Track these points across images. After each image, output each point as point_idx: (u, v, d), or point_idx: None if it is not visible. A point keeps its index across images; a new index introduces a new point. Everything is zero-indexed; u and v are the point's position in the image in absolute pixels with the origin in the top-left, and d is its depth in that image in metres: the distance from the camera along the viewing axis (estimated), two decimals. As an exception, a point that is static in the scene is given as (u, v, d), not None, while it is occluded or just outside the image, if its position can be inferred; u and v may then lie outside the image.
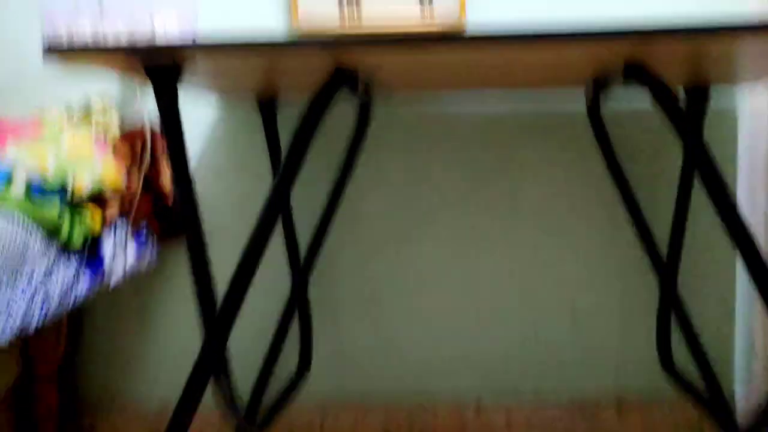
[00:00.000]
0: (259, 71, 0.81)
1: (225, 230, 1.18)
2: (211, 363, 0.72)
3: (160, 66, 0.74)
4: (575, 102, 1.12)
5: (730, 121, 1.14)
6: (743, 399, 1.17)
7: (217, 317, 0.72)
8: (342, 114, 1.17)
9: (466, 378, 1.20)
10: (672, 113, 0.70)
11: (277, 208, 0.74)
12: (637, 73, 0.75)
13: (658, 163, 1.15)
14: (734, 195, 1.15)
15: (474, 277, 1.19)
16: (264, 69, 0.79)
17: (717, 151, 1.14)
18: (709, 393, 1.09)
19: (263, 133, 1.16)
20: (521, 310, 1.19)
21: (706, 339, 1.15)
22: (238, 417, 0.82)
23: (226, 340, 0.74)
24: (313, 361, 1.20)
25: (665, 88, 0.71)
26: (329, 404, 1.21)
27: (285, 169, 0.74)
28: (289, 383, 1.04)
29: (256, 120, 1.18)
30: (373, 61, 0.72)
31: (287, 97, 1.10)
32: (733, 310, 1.16)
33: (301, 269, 1.14)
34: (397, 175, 1.18)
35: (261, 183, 1.18)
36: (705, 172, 0.70)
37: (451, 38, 0.63)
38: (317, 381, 1.21)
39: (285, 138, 1.14)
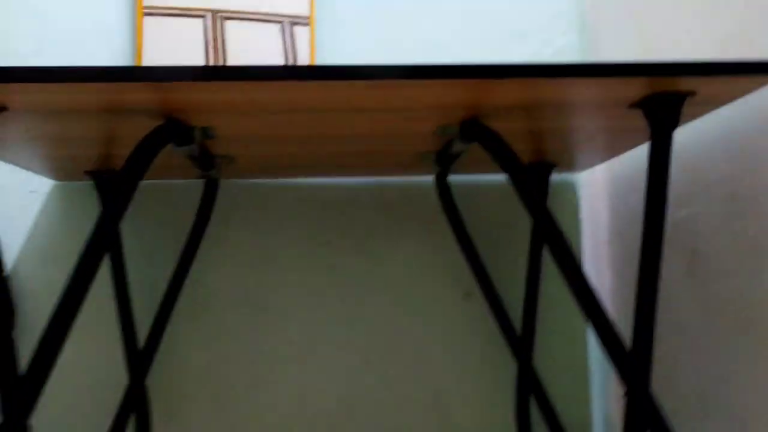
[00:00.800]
0: (84, 132, 0.76)
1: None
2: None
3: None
4: (424, 169, 1.12)
5: (570, 194, 1.18)
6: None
7: (16, 397, 0.62)
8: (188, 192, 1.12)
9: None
10: (515, 176, 0.70)
11: (87, 271, 0.66)
12: (475, 129, 0.75)
13: (508, 233, 1.16)
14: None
15: (330, 365, 1.13)
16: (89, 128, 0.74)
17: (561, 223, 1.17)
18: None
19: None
20: (382, 398, 1.13)
21: (564, 410, 1.13)
22: None
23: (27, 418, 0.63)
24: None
25: (504, 146, 0.72)
26: None
27: (97, 233, 0.67)
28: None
29: (95, 200, 1.10)
30: (200, 99, 0.69)
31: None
32: (589, 381, 1.16)
33: (138, 360, 1.04)
34: (245, 254, 1.13)
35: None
36: (553, 244, 0.70)
37: (284, 69, 0.61)
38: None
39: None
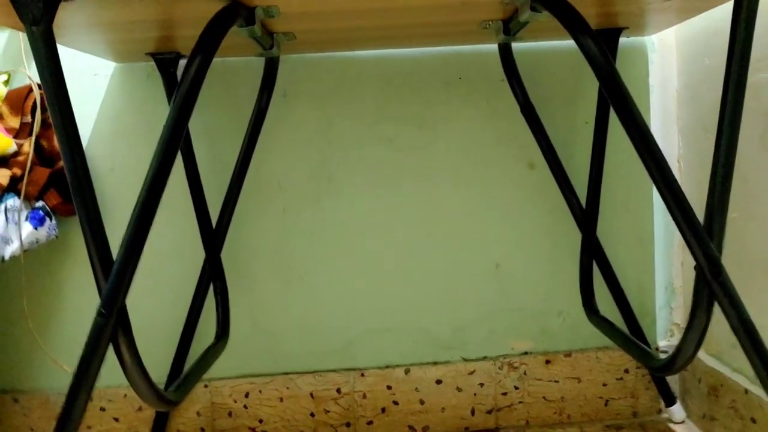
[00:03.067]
0: (146, 16, 0.75)
1: (130, 199, 1.11)
2: (108, 325, 0.66)
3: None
4: (487, 38, 1.08)
5: (640, 57, 1.14)
6: (664, 339, 1.18)
7: (114, 273, 0.66)
8: (249, 73, 1.11)
9: (393, 344, 1.17)
10: (584, 44, 0.67)
11: (171, 148, 0.68)
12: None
13: (573, 103, 1.14)
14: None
15: (392, 241, 1.16)
16: (150, 13, 0.73)
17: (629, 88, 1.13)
18: (632, 335, 1.09)
19: (165, 93, 1.09)
20: (443, 272, 1.17)
21: (628, 284, 1.15)
22: (150, 389, 0.76)
23: (123, 297, 0.68)
24: (232, 336, 1.15)
25: (574, 12, 0.68)
26: (253, 378, 1.16)
27: (177, 112, 0.68)
28: (206, 352, 0.99)
29: (157, 80, 1.11)
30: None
31: (185, 50, 1.03)
32: (652, 253, 1.17)
33: (213, 238, 1.09)
34: (307, 130, 1.13)
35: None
36: (621, 109, 0.68)
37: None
38: (238, 356, 1.16)
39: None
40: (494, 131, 1.14)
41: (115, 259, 0.67)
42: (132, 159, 1.12)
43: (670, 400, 1.14)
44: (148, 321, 1.14)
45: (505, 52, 1.06)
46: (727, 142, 0.68)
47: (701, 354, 1.11)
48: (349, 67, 1.13)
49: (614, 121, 1.08)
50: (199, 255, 1.12)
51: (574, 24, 0.68)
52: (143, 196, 0.67)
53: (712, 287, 0.67)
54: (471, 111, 1.14)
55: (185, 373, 0.87)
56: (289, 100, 1.13)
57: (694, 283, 0.70)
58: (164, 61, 1.03)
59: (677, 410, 1.14)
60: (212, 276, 1.10)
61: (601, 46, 0.67)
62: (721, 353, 1.05)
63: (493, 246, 1.17)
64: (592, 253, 1.09)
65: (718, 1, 0.87)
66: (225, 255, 1.13)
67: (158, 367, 1.12)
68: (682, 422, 1.14)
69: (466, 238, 1.16)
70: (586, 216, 1.09)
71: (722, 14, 0.97)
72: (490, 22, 0.93)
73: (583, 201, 1.10)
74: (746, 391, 0.95)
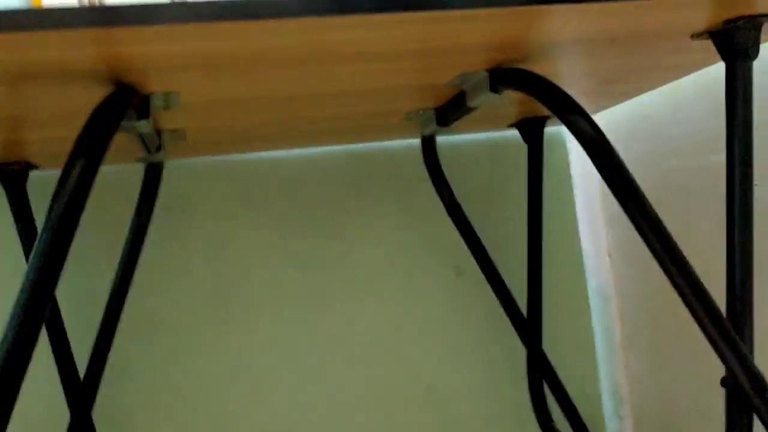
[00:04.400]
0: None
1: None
2: None
3: None
4: (410, 132, 0.97)
5: (560, 148, 1.07)
6: (619, 455, 1.06)
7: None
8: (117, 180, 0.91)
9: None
10: (573, 122, 0.56)
11: (40, 304, 0.47)
12: (511, 76, 0.61)
13: (497, 200, 1.04)
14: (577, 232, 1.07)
15: (307, 372, 0.97)
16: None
17: (553, 186, 1.06)
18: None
19: (10, 214, 0.85)
20: (368, 401, 0.99)
21: (573, 395, 1.03)
22: None
23: None
24: None
25: (556, 90, 0.57)
26: None
27: (44, 255, 0.48)
28: None
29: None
30: (170, 51, 0.50)
31: (38, 161, 0.82)
32: (595, 358, 1.06)
33: (81, 392, 0.84)
34: (198, 249, 0.94)
35: (11, 276, 0.87)
36: (621, 190, 0.57)
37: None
38: None
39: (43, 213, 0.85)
40: (414, 235, 1.01)
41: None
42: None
43: None
44: None
45: (429, 147, 0.94)
46: (741, 222, 0.58)
47: (663, 467, 0.99)
48: (245, 171, 0.96)
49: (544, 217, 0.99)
50: (61, 417, 0.86)
51: (558, 101, 0.57)
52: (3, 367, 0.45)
53: (755, 406, 0.55)
54: (386, 215, 1.00)
55: None
56: (175, 214, 0.93)
57: (727, 399, 0.58)
58: (9, 174, 0.81)
59: None
60: (81, 445, 0.84)
61: (593, 123, 0.56)
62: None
63: (422, 365, 1.01)
64: (541, 369, 0.96)
65: (667, 77, 0.81)
66: (96, 414, 0.88)
67: None
68: None
69: (392, 359, 1.00)
70: (529, 327, 0.96)
71: (650, 99, 0.92)
72: (420, 112, 0.81)
73: (521, 308, 0.98)
74: None
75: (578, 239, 1.06)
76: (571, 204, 1.06)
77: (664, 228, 0.56)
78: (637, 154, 0.97)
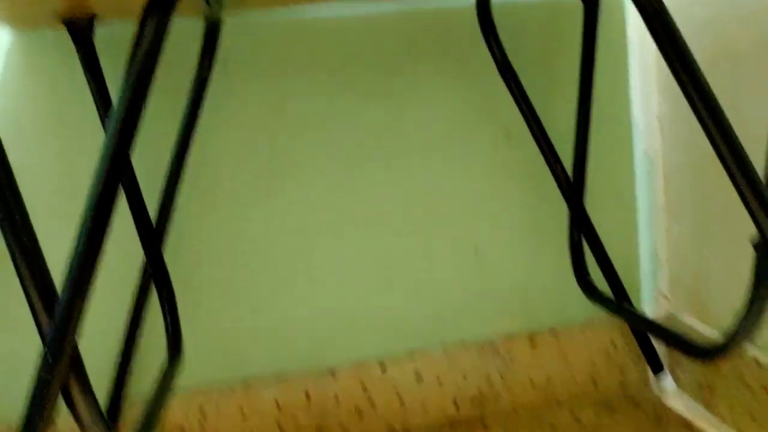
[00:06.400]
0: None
1: (42, 202, 0.92)
2: (60, 366, 0.51)
3: None
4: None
5: (617, 12, 1.05)
6: (651, 308, 1.12)
7: (63, 308, 0.50)
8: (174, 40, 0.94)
9: (365, 338, 1.05)
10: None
11: (118, 165, 0.52)
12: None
13: (551, 65, 1.04)
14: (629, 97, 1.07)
15: (359, 223, 1.03)
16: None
17: (608, 50, 1.05)
18: (622, 306, 1.02)
19: (81, 68, 0.90)
20: (417, 258, 1.05)
21: (613, 255, 1.07)
22: (101, 424, 0.61)
23: (74, 335, 0.53)
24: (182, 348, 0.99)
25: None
26: (208, 391, 1.01)
27: (125, 111, 0.52)
28: (163, 379, 0.83)
29: (68, 51, 0.92)
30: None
31: (103, 12, 0.84)
32: (636, 221, 1.10)
33: (153, 237, 0.92)
34: (254, 108, 0.98)
35: (87, 136, 0.93)
36: (671, 54, 0.57)
37: None
38: (189, 368, 1.00)
39: (111, 71, 0.89)
40: (466, 98, 1.03)
41: (60, 290, 0.52)
42: (44, 156, 0.93)
43: (659, 372, 1.09)
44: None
45: (483, 6, 0.94)
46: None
47: (693, 322, 1.05)
48: (299, 30, 0.97)
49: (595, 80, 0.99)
50: (134, 259, 0.94)
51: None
52: (93, 206, 0.51)
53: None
54: (439, 77, 1.02)
55: (145, 415, 0.71)
56: (231, 75, 0.97)
57: (756, 259, 0.62)
58: (78, 28, 0.85)
59: (668, 382, 1.09)
60: (155, 282, 0.93)
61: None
62: (720, 320, 1.00)
63: (470, 226, 1.06)
64: (581, 228, 1.01)
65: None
66: (167, 257, 0.97)
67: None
68: (673, 394, 1.09)
69: (442, 220, 1.05)
70: (572, 187, 1.00)
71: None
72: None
73: (567, 170, 1.01)
74: (758, 363, 0.90)
75: (629, 104, 1.07)
76: (625, 69, 1.06)
77: (714, 98, 0.58)
78: (696, 17, 0.95)
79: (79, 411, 0.52)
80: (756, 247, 0.61)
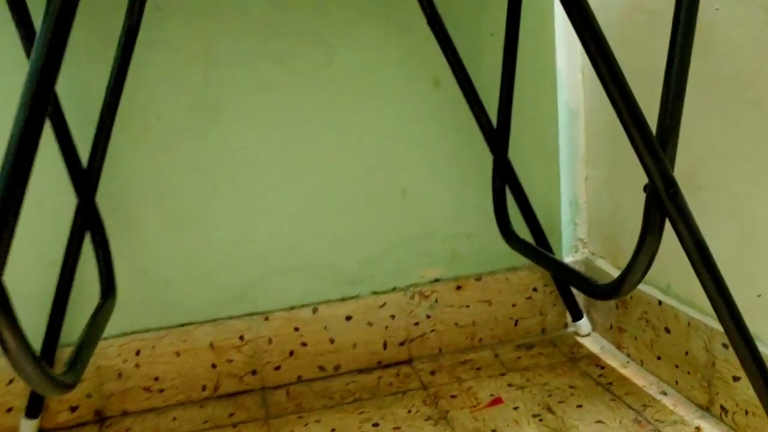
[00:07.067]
0: None
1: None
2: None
3: None
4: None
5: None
6: (570, 255, 1.18)
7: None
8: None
9: (298, 283, 1.08)
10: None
11: (43, 98, 0.53)
12: None
13: (478, 14, 1.07)
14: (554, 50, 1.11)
15: (289, 172, 1.05)
16: None
17: (534, 4, 1.08)
18: (538, 252, 1.08)
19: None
20: (347, 202, 1.08)
21: (535, 202, 1.12)
22: (42, 376, 0.63)
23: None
24: (117, 291, 1.01)
25: None
26: (143, 333, 1.04)
27: (48, 42, 0.53)
28: (94, 317, 0.85)
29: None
30: None
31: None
32: (558, 169, 1.15)
33: (84, 181, 0.93)
34: (186, 51, 0.99)
35: (11, 72, 0.92)
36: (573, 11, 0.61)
37: None
38: (124, 311, 1.02)
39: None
40: (396, 47, 1.05)
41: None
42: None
43: (577, 315, 1.15)
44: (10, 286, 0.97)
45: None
46: (681, 50, 0.63)
47: (608, 267, 1.12)
48: (231, -26, 0.98)
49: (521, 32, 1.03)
50: (67, 202, 0.95)
51: None
52: (14, 152, 0.53)
53: (666, 208, 0.64)
54: (369, 24, 1.03)
55: (76, 349, 0.74)
56: (163, 16, 0.97)
57: (645, 204, 0.67)
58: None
59: (584, 324, 1.15)
60: (88, 225, 0.95)
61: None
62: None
63: (399, 171, 1.09)
64: (505, 176, 1.05)
65: None
66: (99, 200, 0.98)
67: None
68: (589, 335, 1.16)
69: (371, 164, 1.08)
70: (497, 136, 1.04)
71: None
72: None
73: (492, 119, 1.05)
74: (660, 303, 0.97)
75: (554, 56, 1.10)
76: (550, 22, 1.09)
77: (610, 52, 0.62)
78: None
79: (7, 343, 0.54)
80: (647, 192, 0.66)
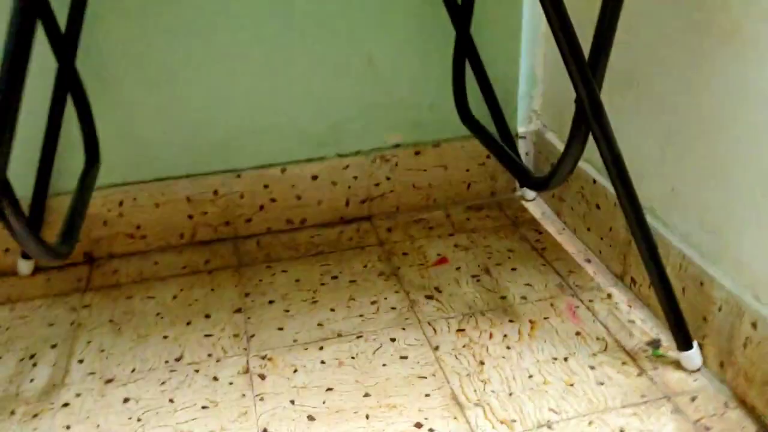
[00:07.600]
0: None
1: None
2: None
3: None
4: None
5: None
6: (524, 125, 1.27)
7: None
8: None
9: (268, 144, 1.16)
10: None
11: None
12: None
13: None
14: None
15: (261, 36, 1.09)
16: None
17: None
18: (498, 134, 1.16)
19: None
20: (316, 68, 1.13)
21: (494, 74, 1.18)
22: (42, 249, 0.72)
23: (5, 164, 0.62)
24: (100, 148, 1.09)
25: None
26: (125, 186, 1.13)
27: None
28: (81, 185, 0.94)
29: None
30: None
31: None
32: (519, 45, 1.20)
33: (64, 46, 0.97)
34: None
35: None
36: None
37: None
38: (107, 166, 1.11)
39: None
40: None
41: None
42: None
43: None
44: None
45: None
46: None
47: (555, 140, 1.21)
48: None
49: None
50: (46, 66, 1.00)
51: None
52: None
53: (590, 125, 0.72)
54: None
55: (68, 218, 0.83)
56: None
57: (574, 116, 0.75)
58: None
59: (528, 190, 1.27)
60: (69, 87, 1.00)
61: None
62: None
63: (365, 39, 1.14)
64: (465, 52, 1.10)
65: None
66: (79, 63, 1.02)
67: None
68: (533, 200, 1.27)
69: (339, 32, 1.12)
70: (460, 12, 1.08)
71: None
72: None
73: (457, -3, 1.08)
74: (594, 181, 1.07)
75: (523, -68, 1.12)
76: None
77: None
78: None
79: (16, 232, 0.64)
80: (576, 105, 0.73)
